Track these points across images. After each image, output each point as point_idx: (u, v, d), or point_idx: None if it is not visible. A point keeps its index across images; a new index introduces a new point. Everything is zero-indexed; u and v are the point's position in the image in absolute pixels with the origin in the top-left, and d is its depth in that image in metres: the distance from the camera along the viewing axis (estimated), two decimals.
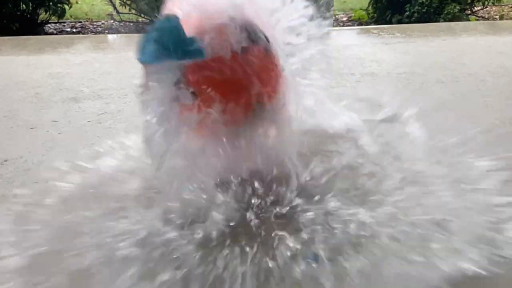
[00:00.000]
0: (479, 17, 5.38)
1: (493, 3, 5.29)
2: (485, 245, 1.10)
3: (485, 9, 5.45)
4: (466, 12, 5.09)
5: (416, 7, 4.72)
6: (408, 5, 4.76)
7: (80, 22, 5.43)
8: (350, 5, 6.10)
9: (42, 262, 1.10)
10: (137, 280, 1.01)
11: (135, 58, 1.06)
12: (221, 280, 1.02)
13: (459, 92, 2.47)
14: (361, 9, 5.56)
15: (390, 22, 4.82)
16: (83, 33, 5.00)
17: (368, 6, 5.24)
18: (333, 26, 4.93)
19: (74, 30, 5.12)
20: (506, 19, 5.45)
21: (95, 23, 5.34)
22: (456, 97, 2.40)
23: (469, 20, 4.93)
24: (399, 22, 4.75)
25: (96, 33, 5.06)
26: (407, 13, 4.75)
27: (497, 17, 5.55)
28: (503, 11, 5.83)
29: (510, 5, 6.03)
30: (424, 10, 4.69)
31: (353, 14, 5.68)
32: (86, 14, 5.73)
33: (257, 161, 1.25)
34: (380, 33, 3.98)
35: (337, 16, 5.66)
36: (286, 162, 1.25)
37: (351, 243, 1.12)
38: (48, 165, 1.61)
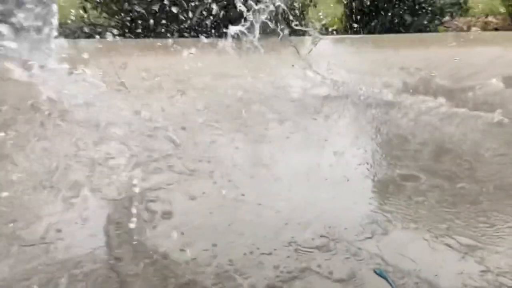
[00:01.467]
0: (447, 27, 5.54)
1: (460, 14, 5.45)
2: None
3: (452, 20, 5.62)
4: (435, 22, 5.22)
5: (388, 18, 4.80)
6: (381, 15, 4.84)
7: None
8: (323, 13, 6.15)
9: None
10: None
11: None
12: None
13: None
14: (335, 17, 5.62)
15: (362, 32, 4.88)
16: None
17: (342, 16, 5.30)
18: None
19: None
20: (473, 30, 5.64)
21: (64, 26, 5.17)
22: None
23: (438, 31, 5.06)
24: (371, 32, 4.82)
25: (65, 36, 4.89)
26: (379, 23, 4.83)
27: (464, 28, 5.73)
28: (470, 21, 6.02)
29: (477, 17, 6.24)
30: (396, 21, 4.78)
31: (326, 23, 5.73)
32: None
33: None
34: (354, 43, 4.03)
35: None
36: None
37: None
38: None
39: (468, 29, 5.71)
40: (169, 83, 2.87)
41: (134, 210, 1.69)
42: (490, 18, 5.94)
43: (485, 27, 5.77)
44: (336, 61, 3.30)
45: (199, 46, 3.11)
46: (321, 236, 1.58)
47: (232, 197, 1.81)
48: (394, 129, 2.46)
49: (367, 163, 2.11)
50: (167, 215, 1.70)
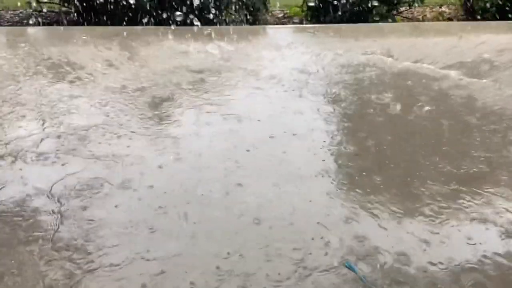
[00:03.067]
0: (403, 17, 5.67)
1: (417, 4, 5.60)
2: None
3: (409, 10, 5.76)
4: (393, 12, 5.33)
5: (348, 7, 4.85)
6: (341, 4, 4.88)
7: None
8: (284, 2, 6.13)
9: None
10: None
11: None
12: None
13: None
14: (296, 6, 5.61)
15: (323, 21, 4.91)
16: None
17: (303, 3, 5.30)
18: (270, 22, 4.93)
19: None
20: (428, 20, 5.81)
21: (11, 12, 4.86)
22: None
23: (395, 21, 5.18)
24: (331, 21, 4.86)
25: (12, 23, 4.60)
26: (339, 12, 4.88)
27: (420, 17, 5.89)
28: (425, 11, 6.21)
29: (431, 6, 6.44)
30: (355, 10, 4.84)
31: (288, 11, 5.72)
32: (2, 2, 5.18)
33: None
34: (316, 32, 4.05)
35: (272, 12, 5.67)
36: None
37: None
38: None
39: (423, 19, 5.89)
40: None
41: None
42: (443, 8, 6.15)
43: (438, 17, 5.98)
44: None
45: None
46: None
47: None
48: None
49: None
50: None
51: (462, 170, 2.06)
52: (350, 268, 1.50)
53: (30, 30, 4.00)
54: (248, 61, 3.25)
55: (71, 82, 2.83)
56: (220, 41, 3.59)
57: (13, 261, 1.47)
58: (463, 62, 3.21)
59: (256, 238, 1.63)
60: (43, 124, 2.33)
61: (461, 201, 1.85)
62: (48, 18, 4.70)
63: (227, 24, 4.47)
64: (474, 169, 2.06)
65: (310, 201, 1.85)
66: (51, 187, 1.85)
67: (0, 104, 2.51)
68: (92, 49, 3.33)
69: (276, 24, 5.35)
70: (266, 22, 5.12)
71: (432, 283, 1.46)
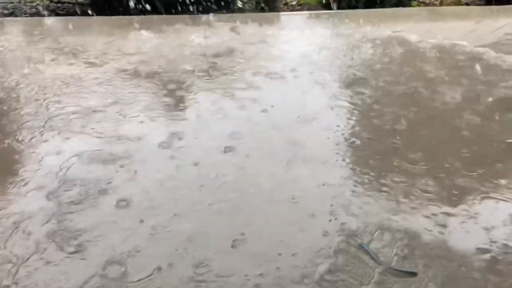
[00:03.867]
0: (420, 2, 5.56)
1: None
2: None
3: None
4: None
5: None
6: None
7: (12, 2, 4.98)
8: None
9: None
10: None
11: None
12: None
13: None
14: None
15: (338, 8, 4.84)
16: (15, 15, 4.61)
17: None
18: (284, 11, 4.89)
19: (6, 11, 4.70)
20: (445, 5, 5.68)
21: (29, 4, 4.93)
22: None
23: (412, 6, 5.07)
24: (348, 7, 4.79)
25: (30, 15, 4.68)
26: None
27: (437, 3, 5.76)
28: None
29: None
30: None
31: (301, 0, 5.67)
32: None
33: None
34: (330, 18, 4.01)
35: (286, 1, 5.62)
36: None
37: None
38: None
39: (441, 3, 5.76)
40: None
41: None
42: None
43: (456, 2, 5.83)
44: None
45: None
46: None
47: None
48: None
49: None
50: None
51: (482, 154, 2.03)
52: (364, 249, 1.50)
53: (47, 20, 4.06)
54: (265, 45, 3.26)
55: (85, 67, 2.88)
56: (235, 27, 3.58)
57: None
58: (484, 44, 3.16)
59: (269, 220, 1.64)
60: (50, 106, 2.39)
61: (481, 185, 1.83)
62: (65, 10, 4.75)
63: (241, 12, 4.46)
64: (495, 154, 2.03)
65: (323, 184, 1.85)
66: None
67: (18, 87, 2.57)
68: (106, 38, 3.37)
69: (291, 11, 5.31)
70: (280, 11, 5.08)
71: (444, 265, 1.45)
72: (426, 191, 1.79)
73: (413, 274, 1.41)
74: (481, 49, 3.06)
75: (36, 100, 2.46)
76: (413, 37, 3.28)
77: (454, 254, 1.49)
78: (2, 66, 2.88)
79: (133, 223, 1.61)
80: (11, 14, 4.62)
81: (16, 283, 1.36)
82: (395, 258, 1.47)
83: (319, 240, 1.54)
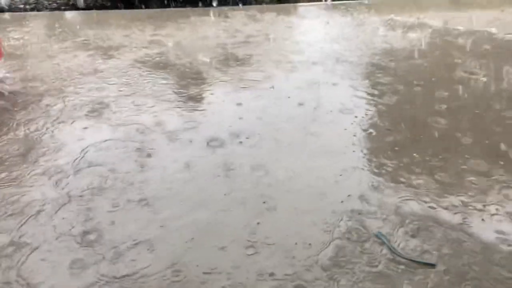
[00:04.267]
0: None
1: None
2: None
3: None
4: None
5: None
6: None
7: None
8: None
9: None
10: None
11: None
12: None
13: None
14: None
15: None
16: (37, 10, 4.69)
17: None
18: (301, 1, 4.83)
19: (28, 7, 4.79)
20: None
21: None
22: None
23: None
24: None
25: (52, 10, 4.75)
26: None
27: None
28: None
29: None
30: None
31: None
32: None
33: None
34: (349, 8, 3.94)
35: None
36: None
37: None
38: None
39: None
40: None
41: None
42: None
43: None
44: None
45: None
46: None
47: None
48: None
49: None
50: None
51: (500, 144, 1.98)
52: (380, 237, 1.48)
53: (68, 14, 4.12)
54: (284, 34, 3.24)
55: (104, 57, 2.91)
56: (255, 17, 3.56)
57: None
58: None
59: (288, 208, 1.64)
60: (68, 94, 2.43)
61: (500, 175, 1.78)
62: (85, 3, 4.80)
63: (259, 4, 4.43)
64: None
65: (340, 175, 1.83)
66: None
67: (43, 75, 2.63)
68: (125, 31, 3.40)
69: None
70: (297, 2, 5.03)
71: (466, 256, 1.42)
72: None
73: (432, 265, 1.38)
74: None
75: (57, 89, 2.51)
76: (438, 24, 3.21)
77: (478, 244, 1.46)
78: (24, 58, 2.94)
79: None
80: (33, 9, 4.70)
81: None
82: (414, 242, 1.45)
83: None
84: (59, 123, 2.20)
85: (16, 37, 3.31)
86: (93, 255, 1.43)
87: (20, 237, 1.50)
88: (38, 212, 1.61)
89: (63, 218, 1.58)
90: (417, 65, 2.74)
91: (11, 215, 1.60)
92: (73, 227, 1.55)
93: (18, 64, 2.84)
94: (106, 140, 2.05)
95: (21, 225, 1.55)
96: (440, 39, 3.09)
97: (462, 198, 1.68)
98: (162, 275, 1.37)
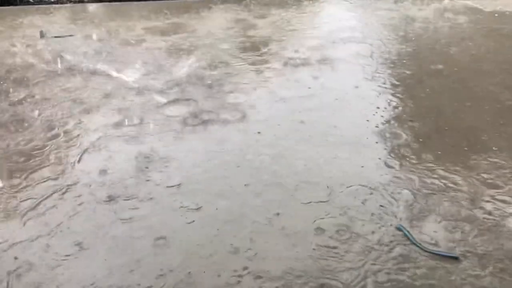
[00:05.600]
0: None
1: None
2: None
3: None
4: None
5: None
6: None
7: None
8: None
9: None
10: None
11: None
12: None
13: None
14: None
15: None
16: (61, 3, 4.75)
17: None
18: None
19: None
20: None
21: None
22: None
23: None
24: None
25: (73, 2, 4.81)
26: None
27: None
28: None
29: None
30: None
31: None
32: None
33: None
34: None
35: None
36: None
37: None
38: None
39: None
40: None
41: None
42: None
43: None
44: None
45: None
46: None
47: None
48: None
49: None
50: None
51: None
52: (402, 230, 1.46)
53: (90, 7, 4.16)
54: (303, 23, 3.22)
55: (126, 47, 2.95)
56: (272, 9, 3.54)
57: None
58: None
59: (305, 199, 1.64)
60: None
61: None
62: None
63: None
64: None
65: (362, 166, 1.80)
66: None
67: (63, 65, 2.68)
68: (144, 22, 3.43)
69: None
70: None
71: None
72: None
73: (456, 258, 1.36)
74: None
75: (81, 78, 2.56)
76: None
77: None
78: (46, 51, 3.00)
79: None
80: (57, 2, 4.76)
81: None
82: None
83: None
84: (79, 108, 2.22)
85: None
86: None
87: None
88: None
89: None
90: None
91: None
92: None
93: None
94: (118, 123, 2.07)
95: None
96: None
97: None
98: None
